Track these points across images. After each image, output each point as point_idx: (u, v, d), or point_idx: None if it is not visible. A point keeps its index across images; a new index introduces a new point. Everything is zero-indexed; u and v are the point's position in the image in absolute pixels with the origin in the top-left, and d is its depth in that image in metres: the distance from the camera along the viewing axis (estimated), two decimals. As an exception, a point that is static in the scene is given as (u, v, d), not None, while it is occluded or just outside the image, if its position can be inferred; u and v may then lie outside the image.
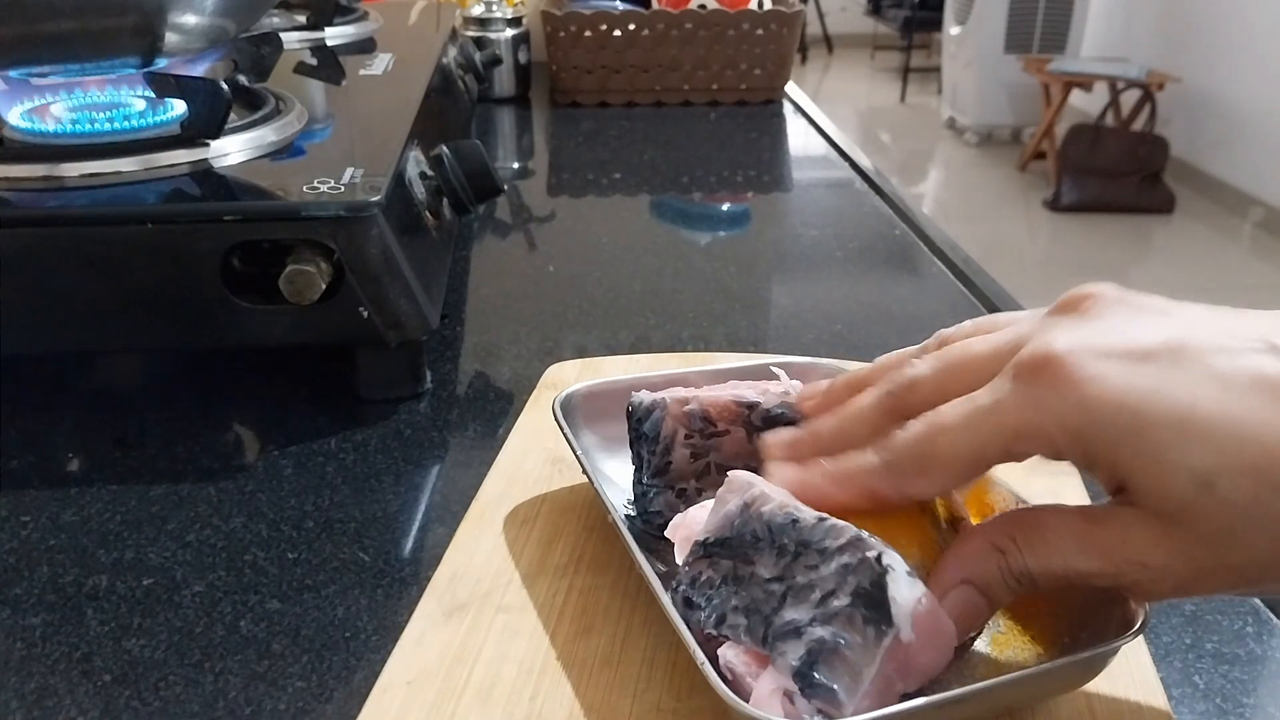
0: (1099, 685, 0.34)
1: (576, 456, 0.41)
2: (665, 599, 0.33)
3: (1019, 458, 0.29)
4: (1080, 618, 0.34)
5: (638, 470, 0.41)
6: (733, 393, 0.40)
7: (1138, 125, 4.16)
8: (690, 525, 0.36)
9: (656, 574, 0.35)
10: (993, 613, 0.31)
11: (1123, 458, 0.27)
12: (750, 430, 0.40)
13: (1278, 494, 0.25)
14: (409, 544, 0.44)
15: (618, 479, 0.42)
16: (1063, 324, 0.29)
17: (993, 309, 0.67)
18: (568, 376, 0.54)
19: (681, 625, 0.32)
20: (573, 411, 0.43)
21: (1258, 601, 0.40)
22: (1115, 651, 0.31)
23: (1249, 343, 0.27)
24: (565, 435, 0.42)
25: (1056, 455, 0.28)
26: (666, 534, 0.37)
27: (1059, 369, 0.27)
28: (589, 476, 0.40)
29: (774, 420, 0.39)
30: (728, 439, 0.40)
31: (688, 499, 0.40)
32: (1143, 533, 0.27)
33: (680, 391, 0.40)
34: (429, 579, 0.39)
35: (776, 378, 0.42)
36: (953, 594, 0.30)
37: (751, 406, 0.40)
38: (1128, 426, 0.26)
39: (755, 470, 0.36)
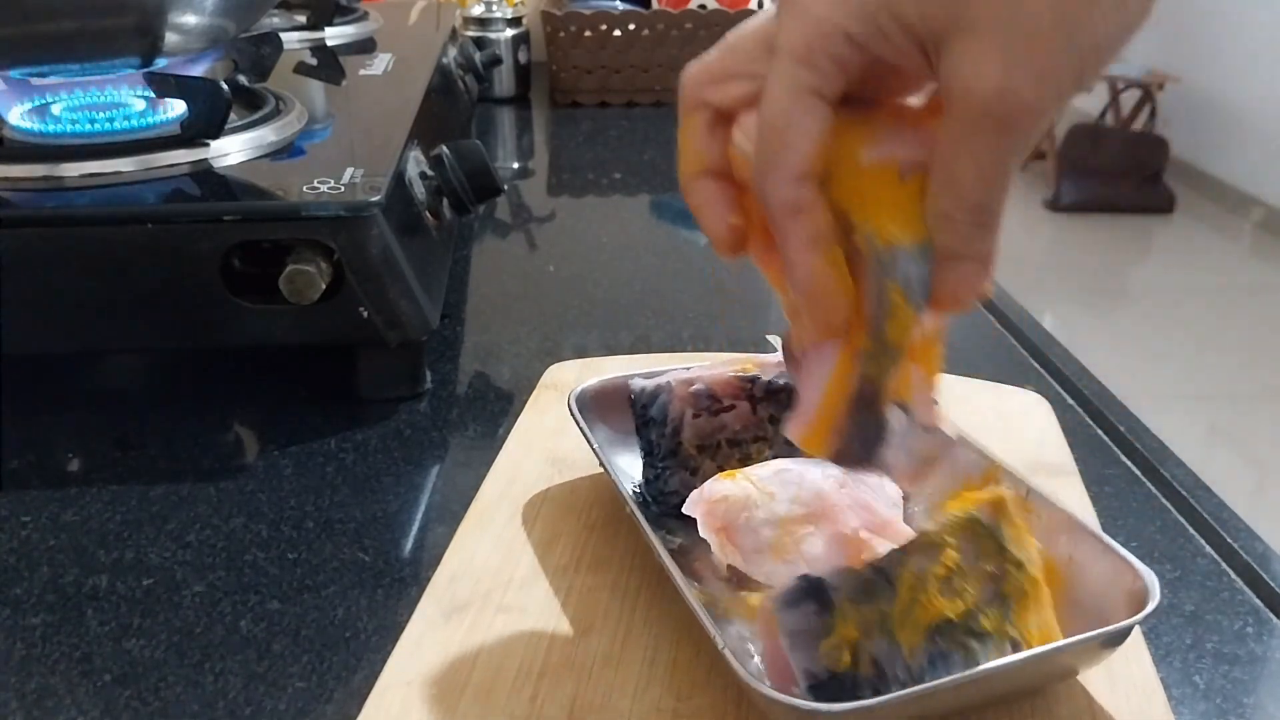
0: (1099, 685, 0.34)
1: (593, 449, 0.41)
2: (686, 590, 0.33)
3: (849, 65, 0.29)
4: (1092, 601, 0.34)
5: (648, 455, 0.41)
6: (733, 369, 0.41)
7: (1138, 125, 4.16)
8: (707, 500, 0.37)
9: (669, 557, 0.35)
10: None
11: (924, 7, 0.28)
12: (754, 403, 0.41)
13: None
14: (409, 544, 0.44)
15: (632, 471, 0.43)
16: None
17: (992, 309, 0.67)
18: (568, 377, 0.54)
19: (702, 613, 0.32)
20: (585, 407, 0.43)
21: (1258, 601, 0.40)
22: (1129, 630, 0.32)
23: None
24: (581, 428, 0.42)
25: (888, 47, 0.29)
26: (685, 510, 0.38)
27: None
28: (605, 468, 0.40)
29: (776, 391, 0.41)
30: (733, 413, 0.41)
31: (702, 475, 0.41)
32: (969, 65, 0.28)
33: (682, 373, 0.41)
34: (429, 579, 0.39)
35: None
36: (957, 272, 0.30)
37: (753, 380, 0.41)
38: None
39: (762, 440, 0.39)
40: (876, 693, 0.30)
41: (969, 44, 0.28)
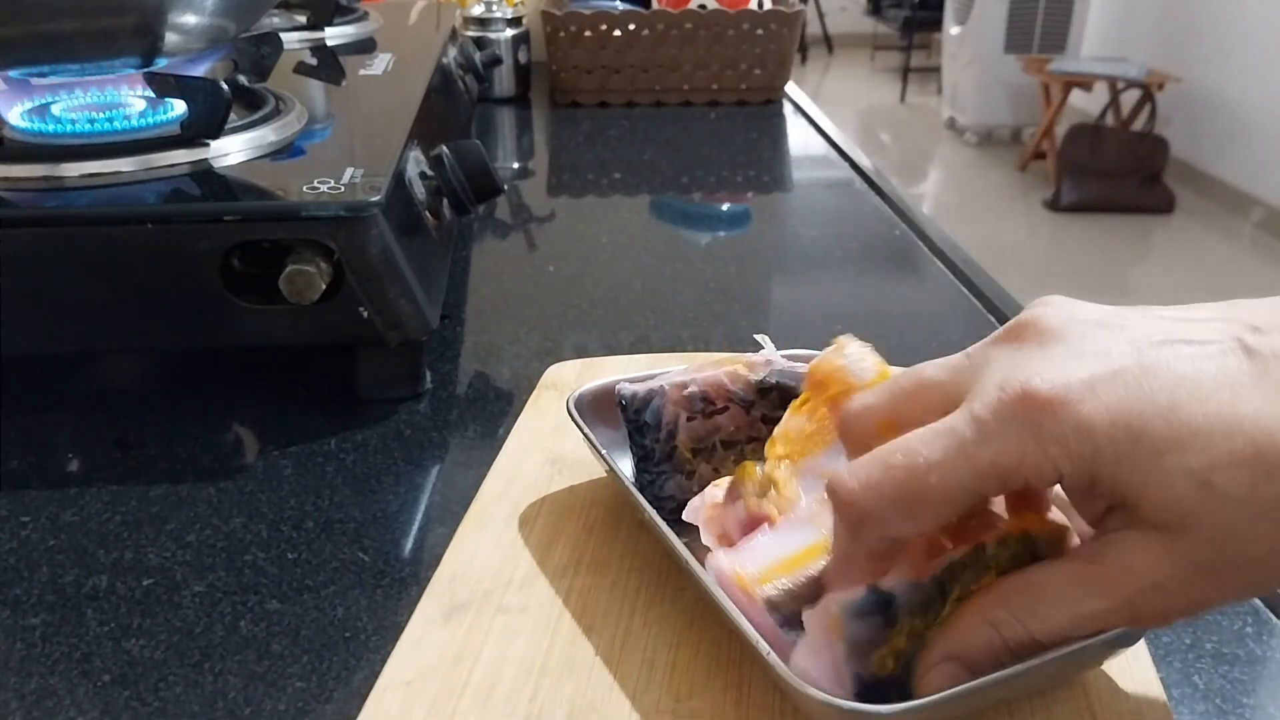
0: (1099, 685, 0.34)
1: (601, 455, 0.41)
2: (719, 594, 0.33)
3: (1005, 490, 0.29)
4: None
5: (643, 460, 0.41)
6: (723, 370, 0.41)
7: (1138, 125, 4.15)
8: (709, 506, 0.38)
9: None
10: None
11: (1124, 474, 0.27)
12: (747, 404, 0.41)
13: (1271, 480, 0.26)
14: (409, 544, 0.44)
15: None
16: (1024, 354, 0.29)
17: (993, 309, 0.67)
18: (568, 376, 0.54)
19: (737, 615, 0.32)
20: (584, 411, 0.43)
21: (1258, 602, 0.40)
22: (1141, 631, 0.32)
23: (1209, 337, 0.29)
24: (585, 435, 0.42)
25: (1051, 482, 0.28)
26: (685, 518, 0.38)
27: (1048, 401, 0.27)
28: (617, 474, 0.40)
29: (768, 390, 0.41)
30: (727, 415, 0.41)
31: (698, 478, 0.41)
32: (1147, 553, 0.28)
33: (673, 376, 0.41)
34: (429, 579, 0.39)
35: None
36: (936, 670, 0.30)
37: (745, 381, 0.41)
38: (1124, 441, 0.27)
39: (755, 441, 0.39)
40: (904, 696, 0.30)
41: (1149, 531, 0.28)
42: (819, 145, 1.08)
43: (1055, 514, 0.36)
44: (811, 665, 0.31)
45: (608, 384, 0.45)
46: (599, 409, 0.44)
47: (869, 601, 0.30)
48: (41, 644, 0.38)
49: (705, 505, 0.38)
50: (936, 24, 5.50)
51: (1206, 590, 0.28)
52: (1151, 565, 0.28)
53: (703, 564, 0.35)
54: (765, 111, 1.18)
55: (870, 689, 0.31)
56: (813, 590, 0.33)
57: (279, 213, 0.50)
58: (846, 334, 0.38)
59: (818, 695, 0.29)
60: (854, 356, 0.37)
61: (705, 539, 0.38)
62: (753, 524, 0.36)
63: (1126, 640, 0.33)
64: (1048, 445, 0.27)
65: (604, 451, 0.41)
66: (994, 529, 0.32)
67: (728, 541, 0.37)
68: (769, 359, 0.41)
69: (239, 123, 0.58)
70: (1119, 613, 0.28)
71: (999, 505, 0.34)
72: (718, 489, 0.38)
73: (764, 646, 0.31)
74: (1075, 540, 0.33)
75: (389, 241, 0.50)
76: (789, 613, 0.33)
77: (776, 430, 0.38)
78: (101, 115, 0.59)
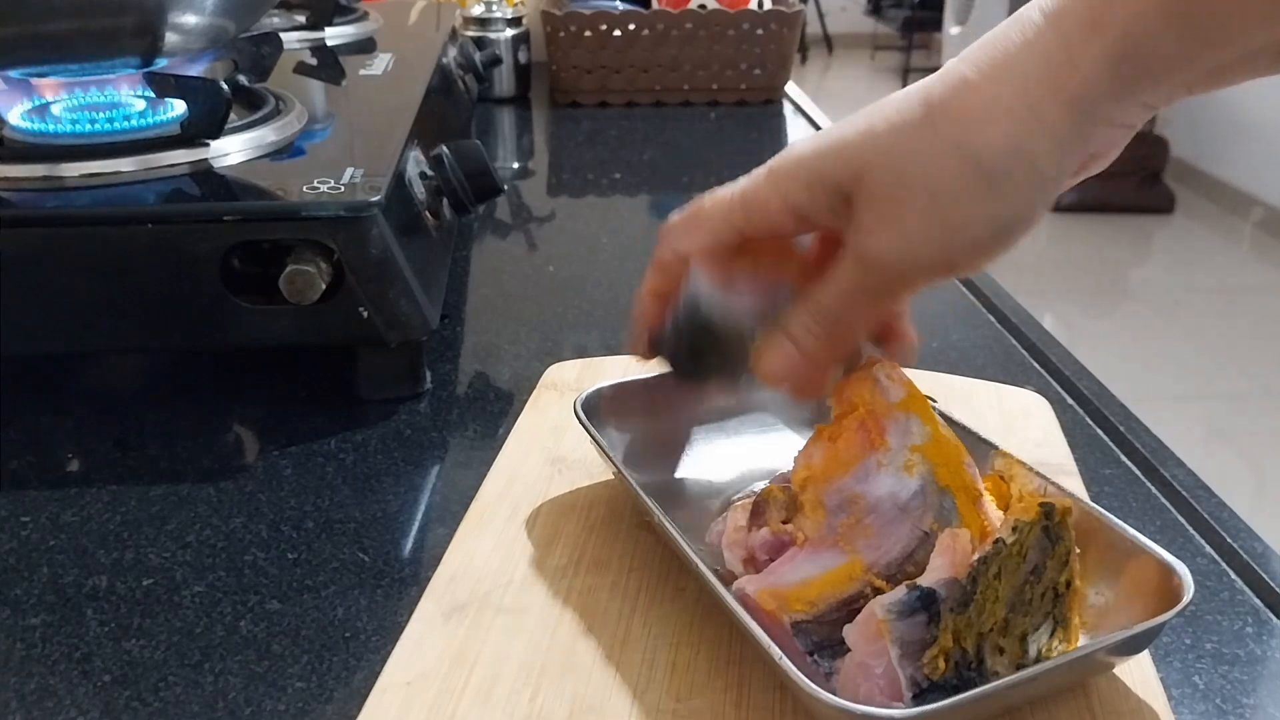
0: (1099, 685, 0.34)
1: (608, 456, 0.41)
2: (728, 596, 0.34)
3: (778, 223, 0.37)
4: (1126, 601, 0.35)
5: None
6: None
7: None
8: (732, 532, 0.38)
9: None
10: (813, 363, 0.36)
11: (827, 167, 0.35)
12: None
13: (903, 178, 0.33)
14: (409, 544, 0.44)
15: (643, 475, 0.42)
16: None
17: (993, 309, 0.67)
18: (568, 376, 0.54)
19: (748, 619, 0.32)
20: (591, 412, 0.43)
21: (1258, 602, 0.40)
22: (1161, 627, 0.33)
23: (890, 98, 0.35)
24: (593, 436, 0.42)
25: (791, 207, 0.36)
26: (708, 541, 0.39)
27: (786, 151, 0.36)
28: (625, 477, 0.40)
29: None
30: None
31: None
32: (855, 226, 0.35)
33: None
34: (429, 579, 0.39)
35: None
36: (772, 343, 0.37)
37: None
38: (807, 151, 0.36)
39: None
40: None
41: (867, 211, 0.34)
42: (819, 145, 1.08)
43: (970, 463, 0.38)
44: (864, 676, 0.31)
45: (615, 385, 0.45)
46: (605, 411, 0.44)
47: (912, 599, 0.31)
48: (41, 644, 0.38)
49: (728, 529, 0.38)
50: (936, 24, 5.49)
51: (893, 240, 0.34)
52: (858, 229, 0.35)
53: (720, 580, 0.35)
54: (765, 111, 1.18)
55: (921, 697, 0.31)
56: (841, 613, 0.33)
57: (279, 213, 0.50)
58: (872, 354, 0.38)
59: (829, 699, 0.29)
60: (882, 378, 0.37)
61: (730, 563, 0.37)
62: (778, 547, 0.36)
63: (1131, 647, 0.33)
64: (775, 181, 0.36)
65: (611, 454, 0.41)
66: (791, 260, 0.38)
67: (753, 565, 0.37)
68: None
69: (239, 123, 0.58)
70: (856, 267, 0.36)
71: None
72: (740, 512, 0.38)
73: (776, 651, 0.31)
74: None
75: (389, 241, 0.50)
76: (818, 638, 0.33)
77: (801, 452, 0.38)
78: (101, 115, 0.59)
